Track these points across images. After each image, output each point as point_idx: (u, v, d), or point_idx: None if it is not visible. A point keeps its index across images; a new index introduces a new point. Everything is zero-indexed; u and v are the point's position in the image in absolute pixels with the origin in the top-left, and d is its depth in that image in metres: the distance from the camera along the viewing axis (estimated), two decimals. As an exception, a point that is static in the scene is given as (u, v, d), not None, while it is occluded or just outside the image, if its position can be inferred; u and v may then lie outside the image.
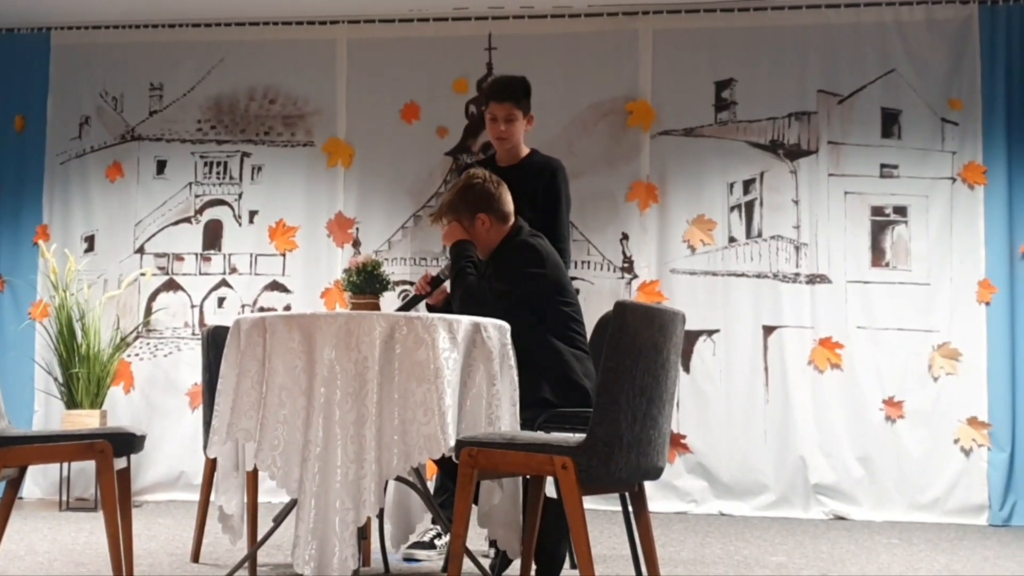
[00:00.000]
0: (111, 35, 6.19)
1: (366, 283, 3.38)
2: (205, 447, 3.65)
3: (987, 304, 5.50)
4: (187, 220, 6.10)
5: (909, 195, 5.64)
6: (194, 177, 6.11)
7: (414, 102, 5.98)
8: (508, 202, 3.76)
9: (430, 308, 4.00)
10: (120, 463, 3.27)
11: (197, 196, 6.11)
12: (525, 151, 4.33)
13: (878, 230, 5.66)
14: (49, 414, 5.97)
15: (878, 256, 5.65)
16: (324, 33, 6.06)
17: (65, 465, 5.54)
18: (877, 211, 5.67)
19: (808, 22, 5.75)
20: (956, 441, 5.47)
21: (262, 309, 5.94)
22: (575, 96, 5.86)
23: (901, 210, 5.66)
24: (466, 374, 3.13)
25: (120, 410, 5.91)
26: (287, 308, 5.92)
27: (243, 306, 5.99)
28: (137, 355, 6.02)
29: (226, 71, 6.11)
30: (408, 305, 4.02)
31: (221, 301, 6.03)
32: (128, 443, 3.25)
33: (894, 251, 5.65)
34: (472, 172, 3.84)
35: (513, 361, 3.26)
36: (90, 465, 5.06)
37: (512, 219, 3.78)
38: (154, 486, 5.88)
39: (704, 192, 5.77)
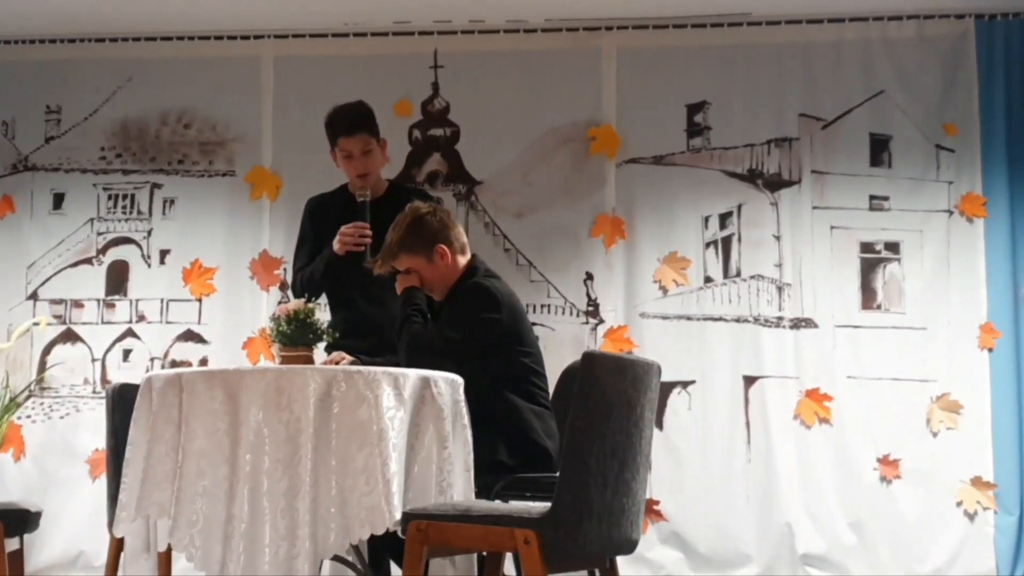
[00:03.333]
0: (1, 51, 6.12)
1: (298, 333, 3.35)
2: (110, 524, 3.58)
3: (990, 350, 5.57)
4: (88, 261, 6.02)
5: (902, 230, 5.73)
6: (96, 212, 6.04)
7: (349, 127, 5.97)
8: (463, 232, 3.79)
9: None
10: (12, 544, 3.24)
11: (100, 234, 6.04)
12: (385, 183, 4.41)
13: (868, 269, 5.74)
14: (-74, 486, 5.84)
15: (869, 297, 5.72)
16: (247, 49, 6.05)
17: (-56, 545, 5.41)
18: (867, 247, 5.75)
19: (787, 39, 5.84)
20: (959, 504, 5.52)
21: (174, 363, 5.87)
22: (531, 121, 5.89)
23: (893, 246, 5.74)
24: (414, 436, 3.12)
25: (9, 480, 5.79)
26: (203, 361, 5.85)
27: (152, 359, 5.91)
28: (29, 417, 5.90)
29: (134, 92, 6.05)
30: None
31: (127, 354, 5.95)
32: (22, 521, 3.26)
33: (886, 292, 5.72)
34: (416, 204, 3.84)
35: (467, 420, 3.25)
36: (-26, 545, 4.97)
37: (469, 252, 3.79)
38: (49, 567, 5.74)
39: (676, 227, 5.81)
